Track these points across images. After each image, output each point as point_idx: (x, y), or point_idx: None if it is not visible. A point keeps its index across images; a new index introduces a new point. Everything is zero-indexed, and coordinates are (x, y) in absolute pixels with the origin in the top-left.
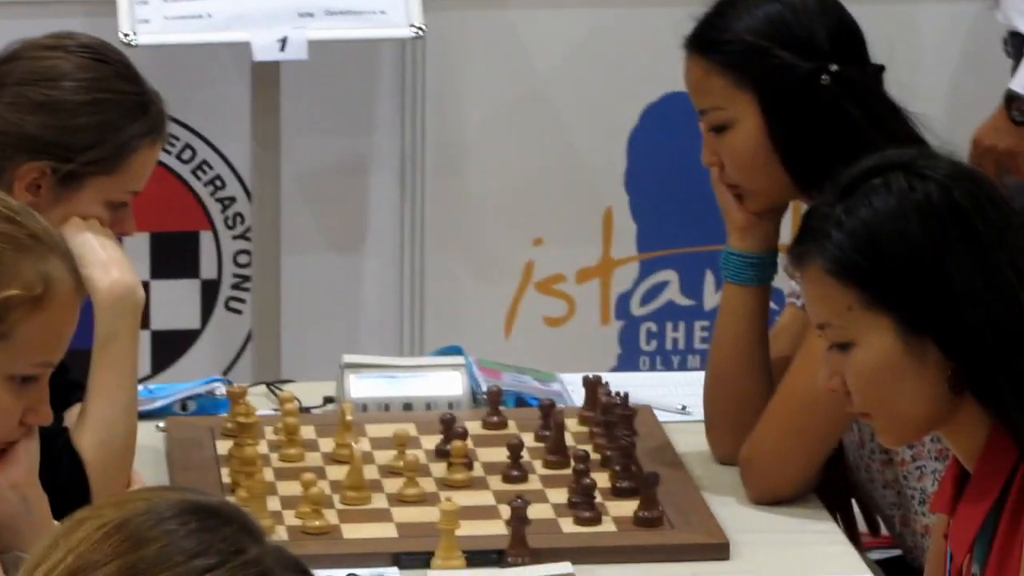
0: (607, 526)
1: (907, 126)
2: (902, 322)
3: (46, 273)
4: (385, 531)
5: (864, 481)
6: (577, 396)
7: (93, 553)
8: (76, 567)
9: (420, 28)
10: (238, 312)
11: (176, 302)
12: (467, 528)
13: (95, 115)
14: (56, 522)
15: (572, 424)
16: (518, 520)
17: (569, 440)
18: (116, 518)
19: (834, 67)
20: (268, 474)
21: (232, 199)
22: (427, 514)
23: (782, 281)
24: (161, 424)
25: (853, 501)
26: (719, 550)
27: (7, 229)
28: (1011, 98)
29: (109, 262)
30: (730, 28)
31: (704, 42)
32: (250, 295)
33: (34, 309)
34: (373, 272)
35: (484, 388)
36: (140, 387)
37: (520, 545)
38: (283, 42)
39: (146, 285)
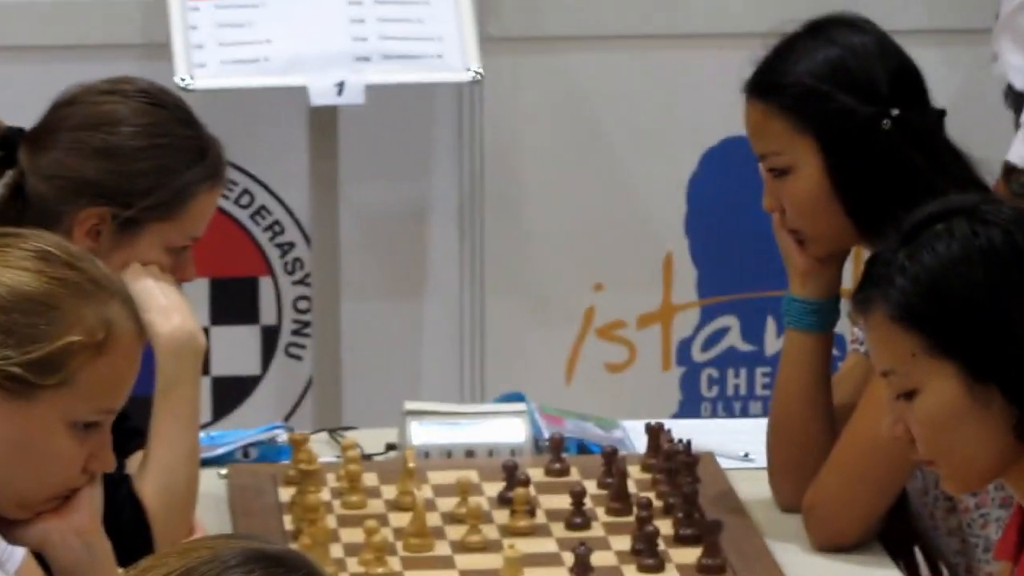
0: (670, 574)
1: (969, 171)
2: (966, 369)
3: (107, 319)
4: None
5: (927, 528)
6: (639, 443)
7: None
8: None
9: (478, 72)
10: (298, 358)
11: (236, 348)
12: (532, 575)
13: (153, 160)
14: (120, 569)
15: (634, 471)
16: (581, 568)
17: (632, 487)
18: (181, 566)
19: (895, 112)
20: (331, 521)
21: (291, 244)
22: (490, 561)
23: (845, 327)
24: (223, 471)
25: (916, 549)
26: None
27: (68, 275)
28: (1009, 170)
29: (170, 308)
30: (790, 72)
31: (764, 86)
32: (310, 341)
33: (96, 355)
34: (433, 317)
35: (546, 435)
36: (201, 434)
37: None
38: (340, 86)
39: (206, 331)
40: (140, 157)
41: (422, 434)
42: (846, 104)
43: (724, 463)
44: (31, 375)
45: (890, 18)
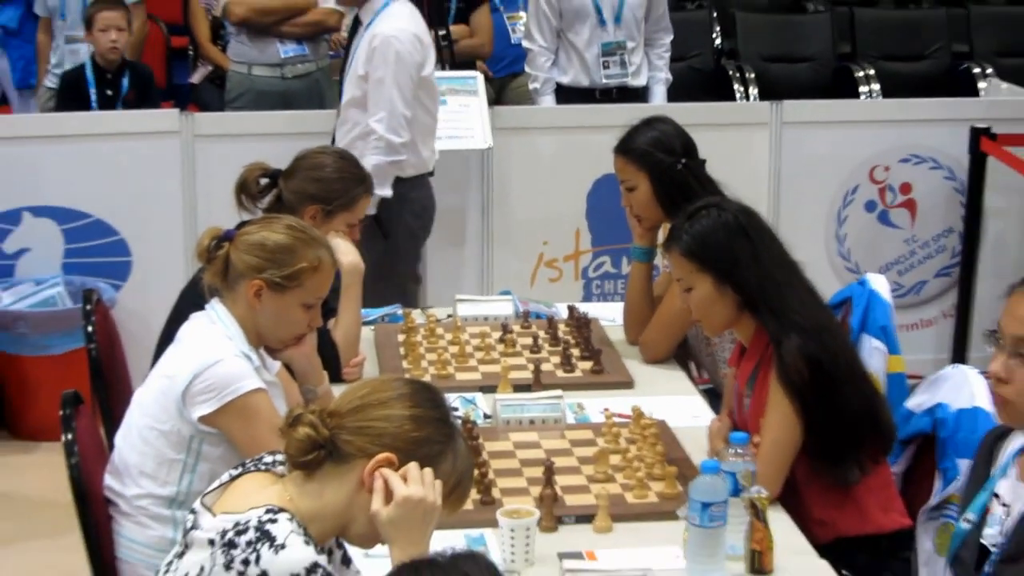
0: (577, 373)
1: (717, 187)
2: (715, 279)
3: (319, 256)
4: (475, 376)
5: (697, 353)
6: (564, 314)
7: (382, 385)
8: (371, 391)
9: (491, 144)
10: None
11: None
12: (513, 375)
13: (342, 184)
14: (324, 372)
15: (561, 327)
16: (536, 371)
17: (560, 334)
18: (377, 380)
19: (684, 160)
20: (421, 351)
21: None
22: (495, 368)
23: (660, 260)
24: (372, 328)
25: (691, 363)
26: (629, 384)
27: (301, 234)
28: None
29: (348, 251)
30: (636, 141)
31: (623, 148)
32: None
33: (314, 273)
34: (469, 256)
35: (521, 310)
36: (362, 310)
37: (538, 383)
38: None
39: None
40: (335, 183)
41: (464, 310)
42: (661, 158)
43: (603, 323)
44: (284, 282)
45: None
